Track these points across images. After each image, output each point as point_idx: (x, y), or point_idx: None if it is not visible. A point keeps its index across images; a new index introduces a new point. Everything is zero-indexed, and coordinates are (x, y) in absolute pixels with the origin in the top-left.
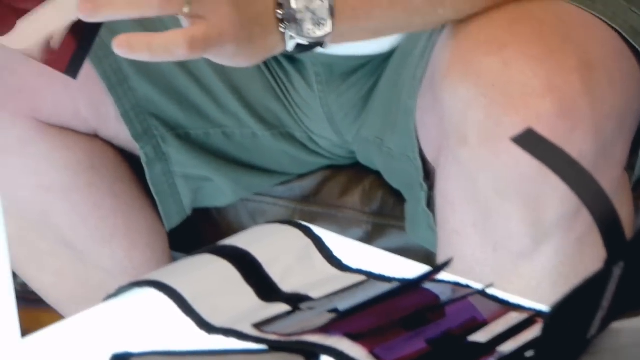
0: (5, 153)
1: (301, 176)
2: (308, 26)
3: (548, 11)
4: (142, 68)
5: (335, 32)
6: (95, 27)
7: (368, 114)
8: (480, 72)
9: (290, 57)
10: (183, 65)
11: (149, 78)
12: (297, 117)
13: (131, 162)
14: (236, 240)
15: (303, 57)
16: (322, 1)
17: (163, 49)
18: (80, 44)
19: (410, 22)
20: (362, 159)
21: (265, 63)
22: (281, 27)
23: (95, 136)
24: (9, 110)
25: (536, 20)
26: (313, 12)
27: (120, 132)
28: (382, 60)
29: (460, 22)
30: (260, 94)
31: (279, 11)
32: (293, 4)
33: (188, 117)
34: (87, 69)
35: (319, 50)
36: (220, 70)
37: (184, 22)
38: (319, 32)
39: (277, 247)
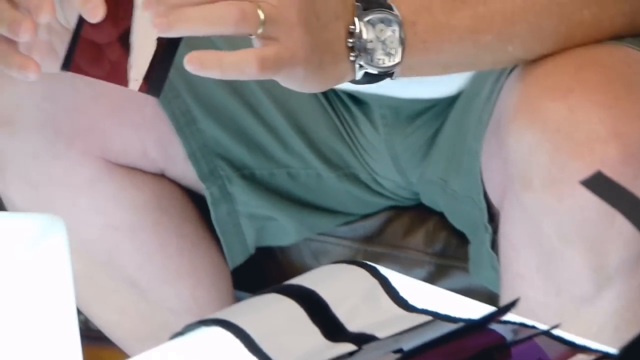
0: (74, 192)
1: (365, 216)
2: (378, 56)
3: (614, 57)
4: (210, 109)
5: (404, 64)
6: (174, 43)
7: (433, 156)
8: (545, 117)
9: (356, 99)
10: (250, 107)
11: (217, 119)
12: (362, 159)
13: (197, 202)
14: (302, 280)
15: (369, 98)
16: (393, 32)
17: (234, 66)
18: (161, 61)
19: (479, 58)
20: (426, 200)
21: (331, 104)
22: (352, 55)
23: (162, 176)
24: (78, 150)
25: (602, 67)
26: (383, 42)
27: (187, 172)
28: (448, 103)
29: (527, 67)
30: (325, 135)
31: (350, 40)
32: (364, 34)
33: (254, 157)
34: (156, 109)
35: (386, 92)
36: (287, 112)
37: (256, 43)
38: (388, 62)
39: (343, 286)
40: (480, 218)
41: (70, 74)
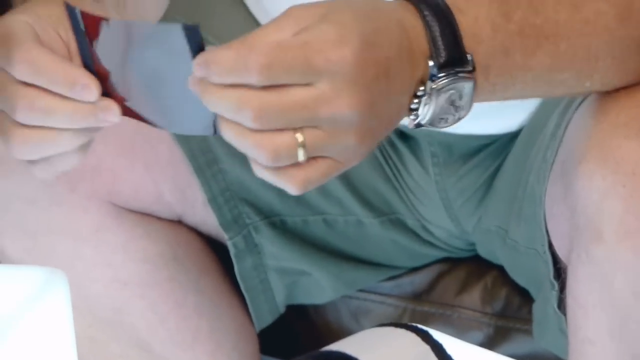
0: (77, 241)
1: (412, 270)
2: (442, 115)
3: None
4: (235, 148)
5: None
6: None
7: (490, 201)
8: (619, 158)
9: (403, 135)
10: None
11: (243, 158)
12: (410, 203)
13: (218, 251)
14: (343, 346)
15: (418, 134)
16: (465, 95)
17: (274, 181)
18: None
19: (551, 93)
20: (483, 252)
21: None
22: (412, 115)
23: (178, 222)
24: (83, 193)
25: None
26: (452, 104)
27: (207, 218)
28: (507, 140)
29: (599, 99)
30: (368, 175)
31: (415, 102)
32: (434, 98)
33: (285, 202)
34: (172, 147)
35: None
36: None
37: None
38: (451, 121)
39: (390, 354)
40: (545, 273)
41: None
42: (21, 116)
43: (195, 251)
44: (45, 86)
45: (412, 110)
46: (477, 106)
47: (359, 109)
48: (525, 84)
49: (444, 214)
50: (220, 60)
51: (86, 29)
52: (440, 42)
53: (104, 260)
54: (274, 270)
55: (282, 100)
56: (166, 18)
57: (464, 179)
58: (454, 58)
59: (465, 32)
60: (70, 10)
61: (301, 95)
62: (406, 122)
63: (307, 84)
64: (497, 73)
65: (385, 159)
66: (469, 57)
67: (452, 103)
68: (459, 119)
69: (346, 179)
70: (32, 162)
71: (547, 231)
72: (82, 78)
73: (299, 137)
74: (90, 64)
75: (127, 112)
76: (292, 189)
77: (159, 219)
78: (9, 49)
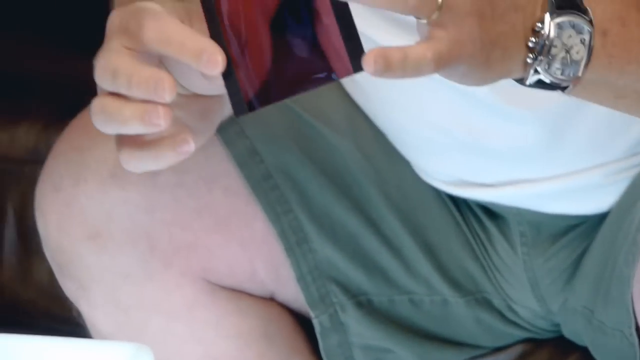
0: (170, 318)
1: (496, 350)
2: (557, 65)
3: None
4: (326, 226)
5: (582, 79)
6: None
7: (577, 282)
8: None
9: (491, 213)
10: (372, 223)
11: (333, 238)
12: (496, 282)
13: (309, 328)
14: None
15: (507, 213)
16: (583, 42)
17: (414, 65)
18: (346, 36)
19: None
20: (568, 332)
21: (464, 218)
22: (529, 57)
23: (270, 299)
24: (177, 270)
25: None
26: (569, 51)
27: (299, 296)
28: (597, 221)
29: None
30: (456, 254)
31: (532, 39)
32: (552, 36)
33: (373, 282)
34: (266, 225)
35: (527, 206)
36: (414, 228)
37: (424, 29)
38: (567, 73)
39: None
40: (632, 355)
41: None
42: (98, 75)
43: (286, 328)
44: (173, 54)
45: (529, 50)
46: (567, 184)
47: None
48: (638, 67)
49: (530, 294)
50: None
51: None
52: None
53: (195, 337)
54: (359, 347)
55: None
56: None
57: (552, 259)
58: (574, 3)
59: None
60: None
61: None
62: (520, 74)
63: None
64: (613, 41)
65: (474, 237)
66: (587, 8)
67: (568, 50)
68: (574, 76)
69: (435, 258)
70: (121, 145)
71: (634, 313)
72: (210, 47)
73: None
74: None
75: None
76: (431, 64)
77: (251, 296)
78: (141, 18)
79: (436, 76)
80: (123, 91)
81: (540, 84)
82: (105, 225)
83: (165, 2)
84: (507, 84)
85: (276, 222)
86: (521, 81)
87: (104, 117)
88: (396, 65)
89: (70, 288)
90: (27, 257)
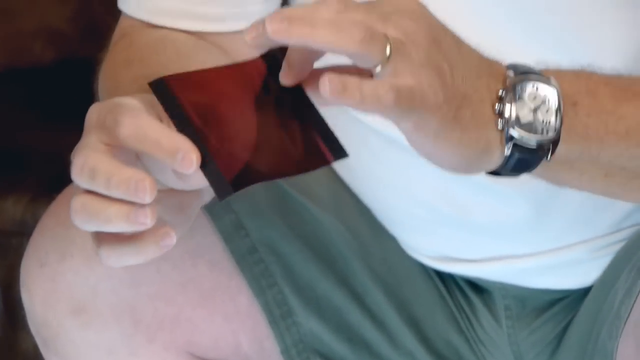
0: None
1: None
2: (529, 125)
3: None
4: (310, 300)
5: (561, 151)
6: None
7: (561, 354)
8: None
9: (477, 288)
10: (357, 297)
11: (317, 311)
12: (481, 355)
13: None
14: None
15: (492, 287)
16: (549, 102)
17: (372, 94)
18: (319, 128)
19: None
20: None
21: (449, 292)
22: (499, 123)
23: None
24: (161, 344)
25: None
26: (537, 109)
27: None
28: (581, 295)
29: None
30: (441, 328)
31: (498, 104)
32: (515, 99)
33: (357, 355)
34: (251, 299)
35: (512, 281)
36: (399, 302)
37: (379, 75)
38: (543, 135)
39: None
40: None
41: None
42: (74, 174)
43: None
44: (148, 151)
45: (496, 115)
46: (552, 260)
47: (427, 27)
48: (619, 139)
49: None
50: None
51: (177, 96)
52: (520, 70)
53: None
54: None
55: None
56: None
57: (537, 332)
58: (534, 72)
59: (546, 71)
60: (155, 85)
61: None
62: (498, 147)
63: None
64: (587, 112)
65: (459, 310)
66: (550, 78)
67: (536, 109)
68: (548, 133)
69: (419, 331)
70: (100, 242)
71: None
72: (185, 145)
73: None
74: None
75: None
76: (390, 95)
77: None
78: (118, 114)
79: None
80: (102, 191)
81: (519, 161)
82: (91, 300)
83: (144, 97)
84: None
85: (260, 296)
86: (505, 168)
87: (85, 215)
88: (351, 90)
89: None
90: (13, 330)
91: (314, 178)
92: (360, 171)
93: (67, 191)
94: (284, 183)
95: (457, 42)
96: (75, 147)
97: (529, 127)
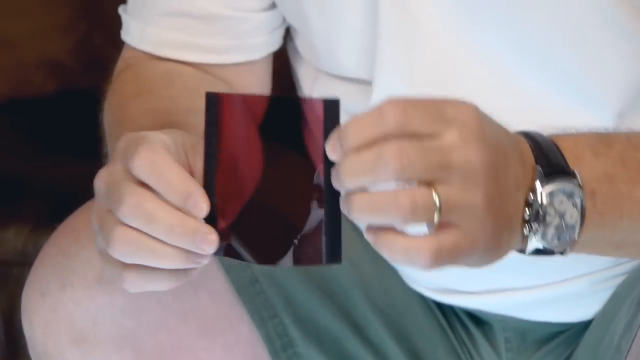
0: None
1: None
2: (553, 230)
3: None
4: (311, 331)
5: (578, 241)
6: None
7: None
8: None
9: (477, 320)
10: (357, 329)
11: (318, 343)
12: None
13: None
14: None
15: (492, 320)
16: (575, 206)
17: (404, 252)
18: (329, 226)
19: None
20: None
21: (450, 325)
22: (525, 229)
23: None
24: None
25: None
26: (562, 217)
27: None
28: (582, 328)
29: None
30: (441, 359)
31: (527, 210)
32: (544, 207)
33: None
34: (252, 329)
35: (512, 313)
36: (400, 335)
37: (429, 228)
38: (563, 240)
39: None
40: None
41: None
42: (124, 213)
43: None
44: (159, 189)
45: (525, 222)
46: (553, 293)
47: (485, 165)
48: (632, 220)
49: None
50: (355, 122)
51: (221, 116)
52: (544, 160)
53: None
54: None
55: (419, 146)
56: None
57: None
58: (559, 168)
59: (567, 152)
60: (209, 98)
61: (435, 142)
62: (518, 245)
63: (437, 134)
64: (603, 200)
65: (459, 342)
66: (574, 171)
67: (562, 217)
68: (571, 241)
69: None
70: (126, 268)
71: None
72: (197, 193)
73: (434, 194)
74: (212, 174)
75: (229, 251)
76: (425, 258)
77: None
78: (139, 144)
79: None
80: (158, 236)
81: (538, 252)
82: (91, 330)
83: (174, 135)
84: None
85: (262, 327)
86: (520, 251)
87: (133, 251)
88: (385, 244)
89: None
90: (15, 359)
91: None
92: None
93: (68, 221)
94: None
95: (506, 159)
96: (99, 173)
97: (554, 239)
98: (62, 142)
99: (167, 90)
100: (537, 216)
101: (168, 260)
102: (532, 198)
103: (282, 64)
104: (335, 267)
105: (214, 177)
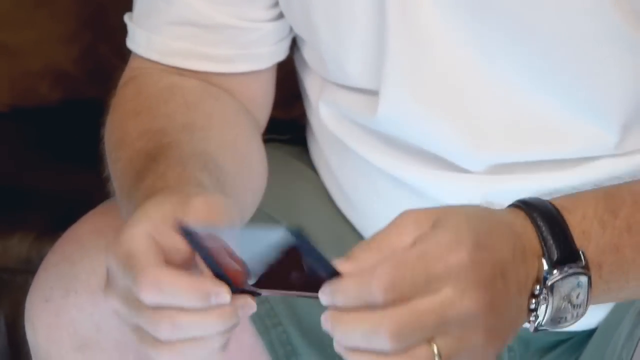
0: None
1: None
2: (561, 314)
3: None
4: (314, 340)
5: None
6: None
7: None
8: None
9: None
10: None
11: (322, 351)
12: None
13: None
14: None
15: None
16: (580, 286)
17: None
18: None
19: None
20: None
21: None
22: (532, 317)
23: None
24: None
25: None
26: (569, 301)
27: None
28: (585, 337)
29: None
30: None
31: (533, 301)
32: (550, 292)
33: None
34: (255, 338)
35: None
36: None
37: None
38: (570, 320)
39: None
40: None
41: None
42: (166, 335)
43: None
44: (179, 305)
45: (531, 311)
46: None
47: (482, 306)
48: (638, 281)
49: None
50: (344, 290)
51: (205, 247)
52: (551, 242)
53: None
54: None
55: (412, 312)
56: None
57: None
58: (566, 255)
59: (575, 229)
60: (186, 233)
61: (428, 302)
62: (527, 325)
63: (430, 291)
64: (610, 270)
65: None
66: (580, 253)
67: (569, 300)
68: (578, 316)
69: None
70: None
71: None
72: (213, 288)
73: (434, 348)
74: (219, 270)
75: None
76: None
77: None
78: (134, 273)
79: (430, 196)
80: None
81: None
82: (94, 336)
83: (147, 229)
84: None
85: (265, 335)
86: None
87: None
88: None
89: None
90: None
91: (318, 218)
92: (367, 212)
93: (72, 229)
94: (286, 224)
95: (504, 277)
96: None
97: (559, 317)
98: (67, 151)
99: (166, 106)
100: (543, 305)
101: (217, 342)
102: (538, 290)
103: (289, 71)
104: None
105: (228, 277)
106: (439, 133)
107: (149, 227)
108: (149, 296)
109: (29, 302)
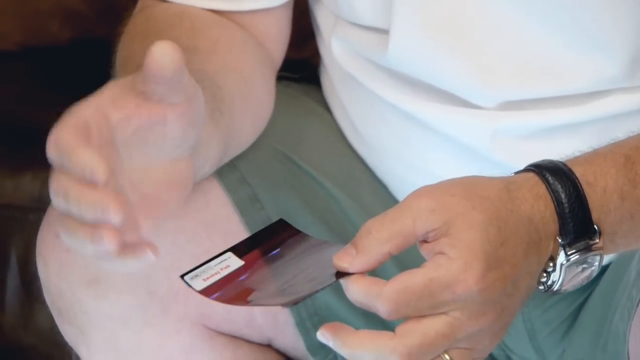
0: None
1: None
2: (571, 281)
3: None
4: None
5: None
6: None
7: (575, 334)
8: None
9: None
10: (372, 272)
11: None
12: None
13: None
14: None
15: None
16: (593, 272)
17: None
18: None
19: None
20: None
21: None
22: (542, 286)
23: (268, 346)
24: (175, 315)
25: None
26: (582, 271)
27: (297, 343)
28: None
29: None
30: None
31: (542, 280)
32: (563, 271)
33: (373, 328)
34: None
35: None
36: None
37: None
38: (580, 281)
39: None
40: None
41: None
42: (58, 203)
43: None
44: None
45: (541, 283)
46: None
47: (491, 320)
48: None
49: (528, 345)
50: (353, 294)
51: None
52: (570, 225)
53: None
54: None
55: (423, 337)
56: (260, 145)
57: (550, 310)
58: (583, 234)
59: (594, 204)
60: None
61: (436, 326)
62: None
63: (437, 314)
64: (622, 236)
65: None
66: (596, 228)
67: (582, 270)
68: (589, 278)
69: None
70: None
71: None
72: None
73: (446, 357)
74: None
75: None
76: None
77: (249, 342)
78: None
79: (440, 131)
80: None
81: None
82: (105, 271)
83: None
84: (512, 140)
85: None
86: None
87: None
88: None
89: (69, 333)
90: (30, 303)
91: (330, 154)
92: (377, 147)
93: None
94: (297, 158)
95: (515, 282)
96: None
97: (573, 285)
98: (77, 90)
99: (172, 30)
100: (554, 278)
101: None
102: (551, 267)
103: (302, 11)
104: (348, 212)
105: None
106: (449, 70)
107: (92, 107)
108: (49, 151)
109: (40, 238)
